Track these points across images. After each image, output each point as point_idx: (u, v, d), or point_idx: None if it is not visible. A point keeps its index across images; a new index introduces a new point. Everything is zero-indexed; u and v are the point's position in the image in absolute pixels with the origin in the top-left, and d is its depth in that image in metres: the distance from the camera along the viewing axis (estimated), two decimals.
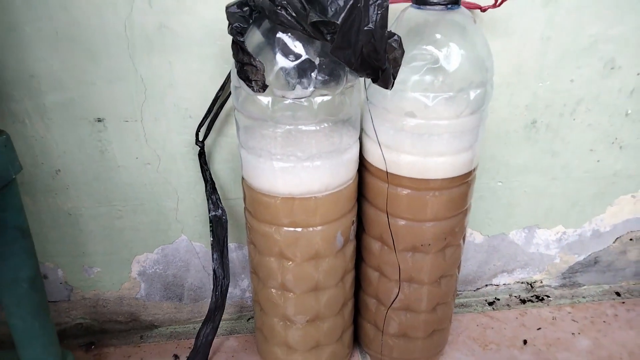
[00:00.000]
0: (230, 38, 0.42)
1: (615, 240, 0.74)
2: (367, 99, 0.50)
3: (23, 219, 0.46)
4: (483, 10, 0.52)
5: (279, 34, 0.42)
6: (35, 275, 0.49)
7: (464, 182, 0.51)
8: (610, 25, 0.57)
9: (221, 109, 0.55)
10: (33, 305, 0.49)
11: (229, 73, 0.53)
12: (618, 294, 0.77)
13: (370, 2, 0.37)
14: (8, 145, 0.43)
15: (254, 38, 0.43)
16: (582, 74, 0.60)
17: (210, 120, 0.55)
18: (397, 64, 0.41)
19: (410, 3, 0.46)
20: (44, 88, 0.52)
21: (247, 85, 0.42)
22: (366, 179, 0.53)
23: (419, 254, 0.53)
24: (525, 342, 0.68)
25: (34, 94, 0.53)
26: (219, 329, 0.62)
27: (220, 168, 0.60)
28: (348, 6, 0.36)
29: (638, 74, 0.60)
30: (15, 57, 0.50)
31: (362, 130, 0.52)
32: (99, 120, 0.55)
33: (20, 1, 0.48)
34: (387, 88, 0.42)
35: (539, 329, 0.70)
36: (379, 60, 0.39)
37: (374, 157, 0.51)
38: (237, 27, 0.42)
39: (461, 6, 0.45)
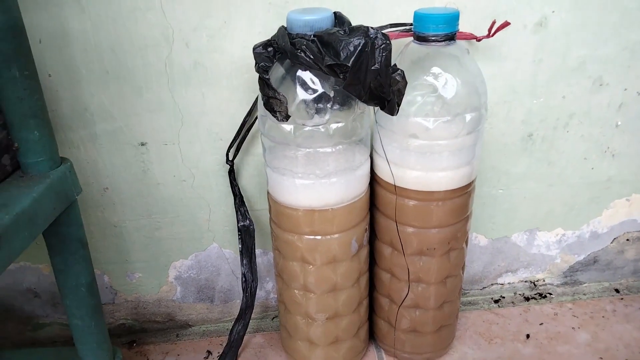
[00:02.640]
0: (255, 72, 0.48)
1: (613, 240, 0.78)
2: (377, 122, 0.56)
3: (83, 232, 0.53)
4: (478, 40, 0.58)
5: (299, 72, 0.48)
6: (91, 280, 0.55)
7: (464, 193, 0.57)
8: (595, 48, 0.62)
9: (248, 132, 0.62)
10: (90, 307, 0.55)
11: (255, 100, 0.59)
12: (617, 290, 0.82)
13: (376, 47, 0.43)
14: (71, 171, 0.50)
15: (278, 74, 0.50)
16: (572, 91, 0.65)
17: (239, 142, 0.62)
18: (400, 94, 0.47)
19: (412, 38, 0.53)
20: (95, 119, 0.60)
21: (272, 115, 0.48)
22: (377, 192, 0.59)
23: (425, 257, 0.59)
24: (528, 336, 0.73)
25: (87, 124, 0.60)
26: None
27: (247, 183, 0.67)
28: (357, 51, 0.43)
29: (625, 90, 0.66)
30: (72, 94, 0.58)
31: (372, 148, 0.58)
32: (142, 144, 0.62)
33: (77, 47, 0.55)
34: (392, 115, 0.48)
35: (541, 324, 0.75)
36: (384, 93, 0.46)
37: (384, 172, 0.57)
38: (263, 66, 0.48)
39: (456, 40, 0.52)
